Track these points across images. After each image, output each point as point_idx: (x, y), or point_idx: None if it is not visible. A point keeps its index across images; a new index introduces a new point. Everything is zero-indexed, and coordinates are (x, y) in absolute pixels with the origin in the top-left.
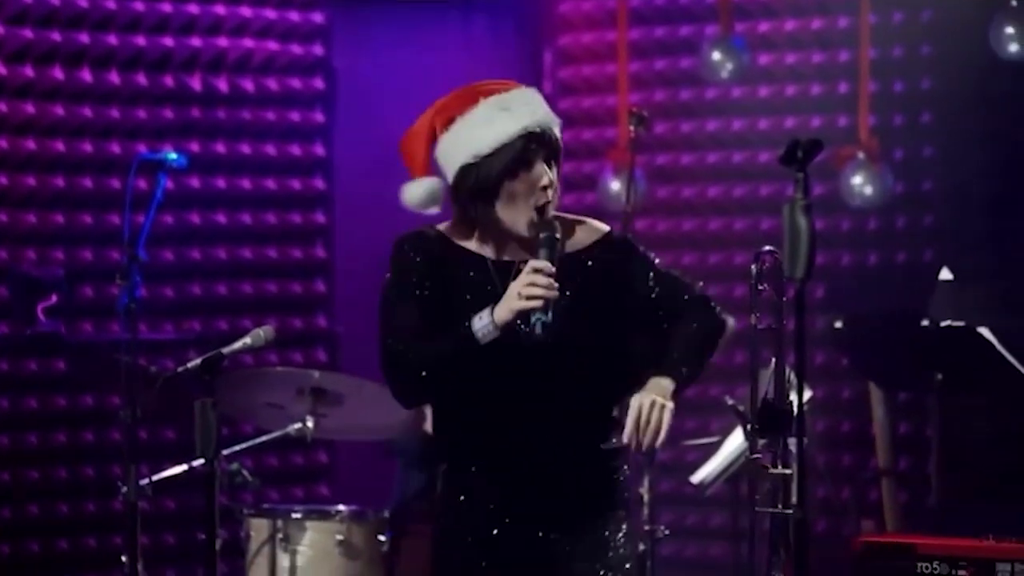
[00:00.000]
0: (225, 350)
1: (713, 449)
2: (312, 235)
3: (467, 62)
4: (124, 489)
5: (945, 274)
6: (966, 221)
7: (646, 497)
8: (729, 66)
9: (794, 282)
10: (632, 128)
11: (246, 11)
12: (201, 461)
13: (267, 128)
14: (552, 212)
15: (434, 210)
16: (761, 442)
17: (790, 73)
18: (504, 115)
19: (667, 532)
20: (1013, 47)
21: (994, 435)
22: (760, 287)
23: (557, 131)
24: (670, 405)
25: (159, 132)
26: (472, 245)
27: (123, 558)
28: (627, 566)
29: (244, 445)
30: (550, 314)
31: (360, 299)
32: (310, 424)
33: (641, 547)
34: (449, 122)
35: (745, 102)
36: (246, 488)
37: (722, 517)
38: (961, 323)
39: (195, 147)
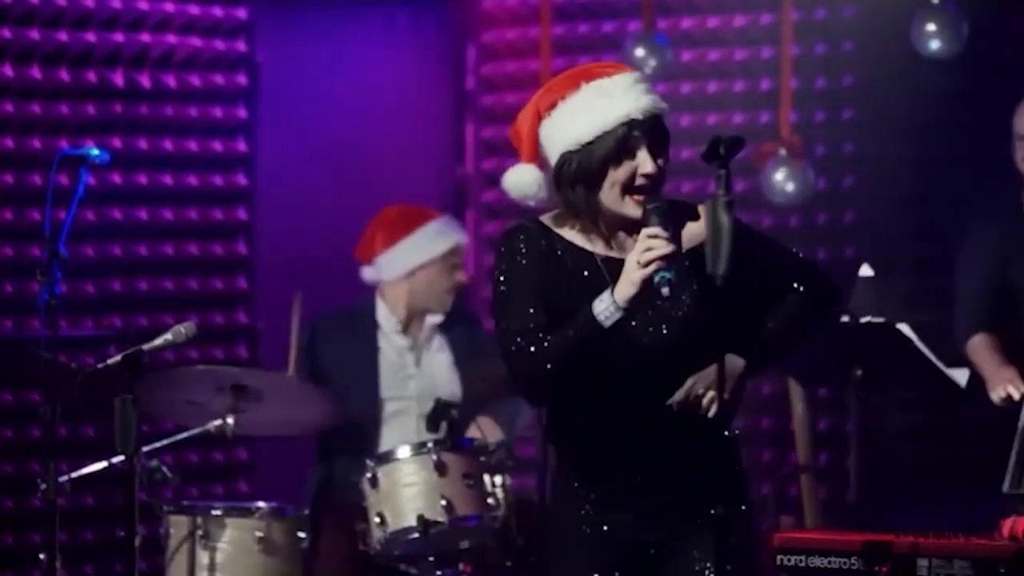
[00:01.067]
0: (146, 347)
1: None
2: (234, 231)
3: (390, 58)
4: (43, 486)
5: (865, 270)
6: (887, 217)
7: None
8: (652, 63)
9: (717, 278)
10: None
11: (169, 6)
12: (121, 458)
13: (190, 124)
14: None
15: (533, 201)
16: None
17: (712, 70)
18: (605, 101)
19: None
20: (934, 44)
21: (913, 430)
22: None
23: (663, 117)
24: (712, 394)
25: (81, 128)
26: (577, 238)
27: (41, 556)
28: (748, 558)
29: (164, 442)
30: (673, 272)
31: (281, 295)
32: (230, 421)
33: None
34: (552, 107)
35: (667, 99)
36: (166, 485)
37: None
38: (881, 319)
39: (117, 143)
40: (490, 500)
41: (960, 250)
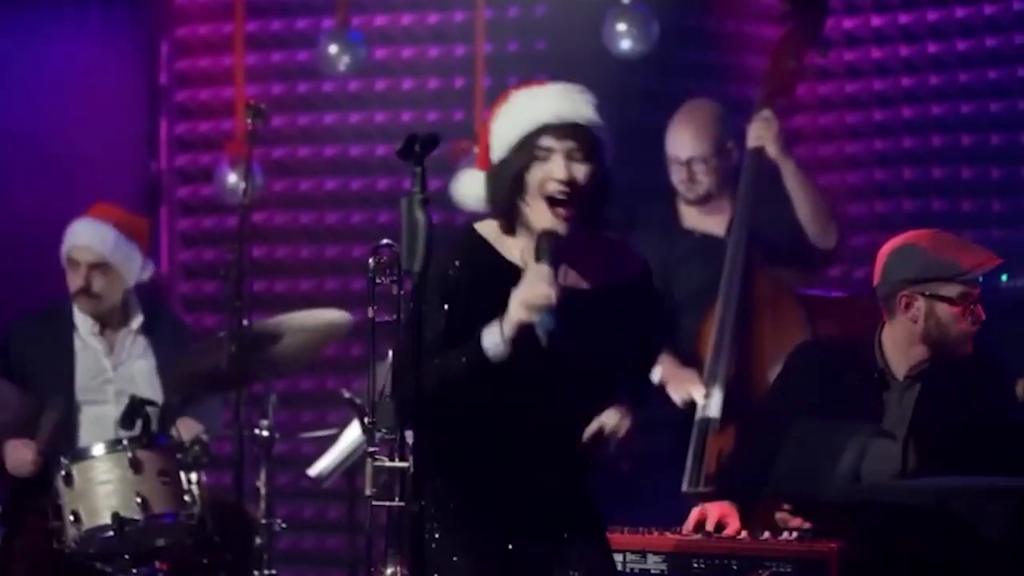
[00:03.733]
0: None
1: (330, 442)
2: None
3: (82, 53)
4: None
5: None
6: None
7: (263, 490)
8: (346, 59)
9: (411, 275)
10: (249, 121)
11: None
12: None
13: None
14: (565, 215)
15: (475, 207)
16: (379, 435)
17: (407, 67)
18: (525, 108)
19: (284, 526)
20: (624, 44)
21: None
22: (378, 280)
23: (589, 127)
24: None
25: None
26: (511, 248)
27: None
28: None
29: None
30: (552, 321)
31: None
32: None
33: (258, 541)
34: (493, 117)
35: (362, 95)
36: None
37: (339, 510)
38: None
39: None
40: (186, 497)
41: None
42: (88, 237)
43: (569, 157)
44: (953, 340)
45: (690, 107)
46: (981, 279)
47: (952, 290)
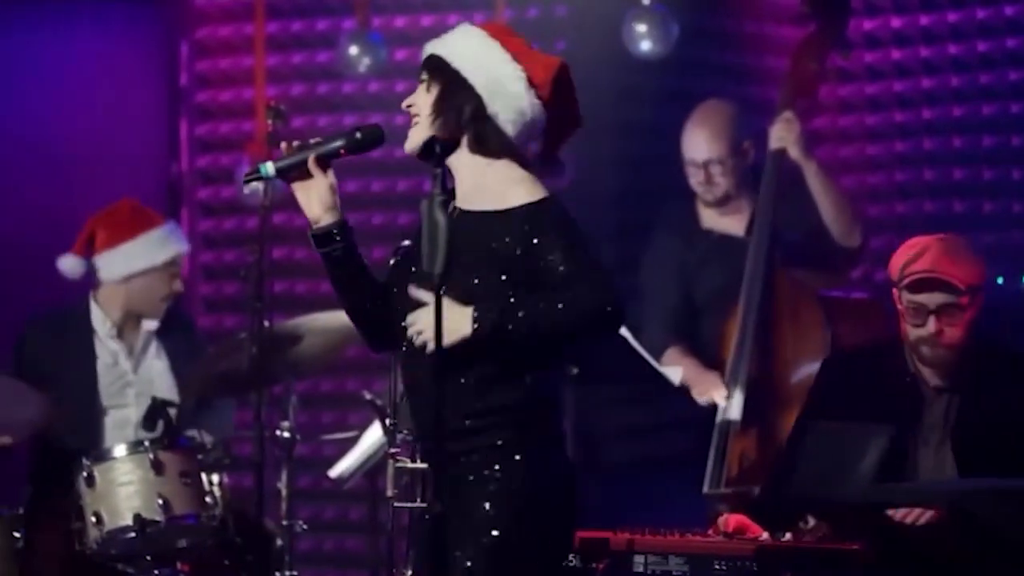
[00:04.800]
0: None
1: (351, 443)
2: None
3: (102, 52)
4: None
5: None
6: (598, 216)
7: (284, 492)
8: (366, 61)
9: (431, 277)
10: (269, 122)
11: None
12: None
13: None
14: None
15: None
16: (400, 436)
17: None
18: None
19: (305, 527)
20: (645, 44)
21: (627, 428)
22: None
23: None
24: (428, 335)
25: None
26: None
27: None
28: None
29: None
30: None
31: None
32: None
33: (279, 542)
34: None
35: (383, 97)
36: None
37: (360, 511)
38: None
39: None
40: (207, 499)
41: (643, 264)
42: (183, 244)
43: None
44: (913, 349)
45: (704, 109)
46: (965, 291)
47: (900, 296)
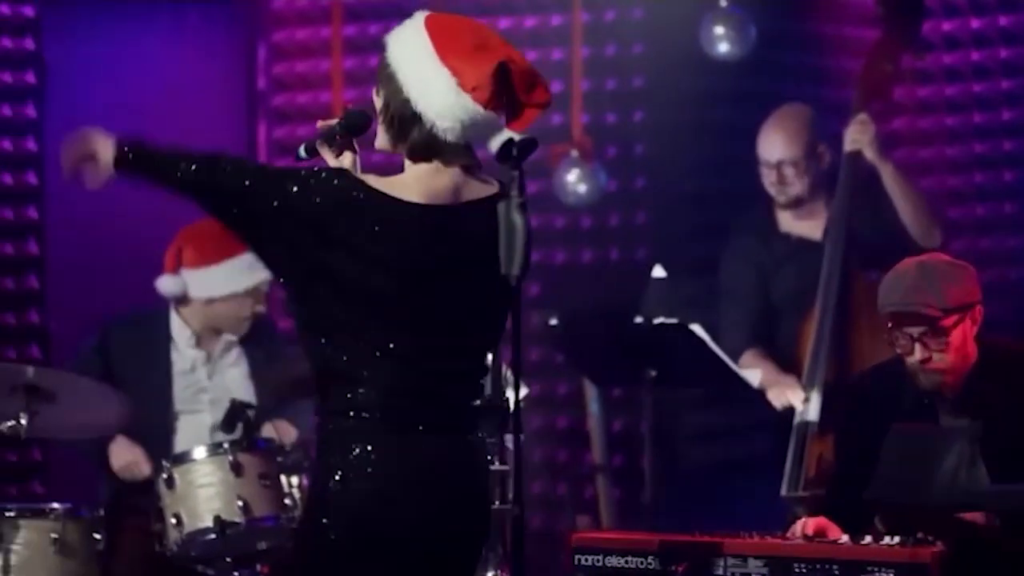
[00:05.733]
0: None
1: None
2: (24, 231)
3: (181, 57)
4: None
5: (658, 271)
6: (677, 218)
7: None
8: None
9: (510, 279)
10: None
11: None
12: None
13: None
14: None
15: None
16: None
17: None
18: None
19: None
20: (722, 47)
21: (705, 430)
22: None
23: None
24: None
25: None
26: None
27: None
28: None
29: None
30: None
31: (73, 296)
32: (23, 421)
33: None
34: None
35: None
36: None
37: None
38: (674, 320)
39: None
40: (287, 501)
41: (721, 267)
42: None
43: None
44: (913, 377)
45: (781, 112)
46: (942, 315)
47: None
